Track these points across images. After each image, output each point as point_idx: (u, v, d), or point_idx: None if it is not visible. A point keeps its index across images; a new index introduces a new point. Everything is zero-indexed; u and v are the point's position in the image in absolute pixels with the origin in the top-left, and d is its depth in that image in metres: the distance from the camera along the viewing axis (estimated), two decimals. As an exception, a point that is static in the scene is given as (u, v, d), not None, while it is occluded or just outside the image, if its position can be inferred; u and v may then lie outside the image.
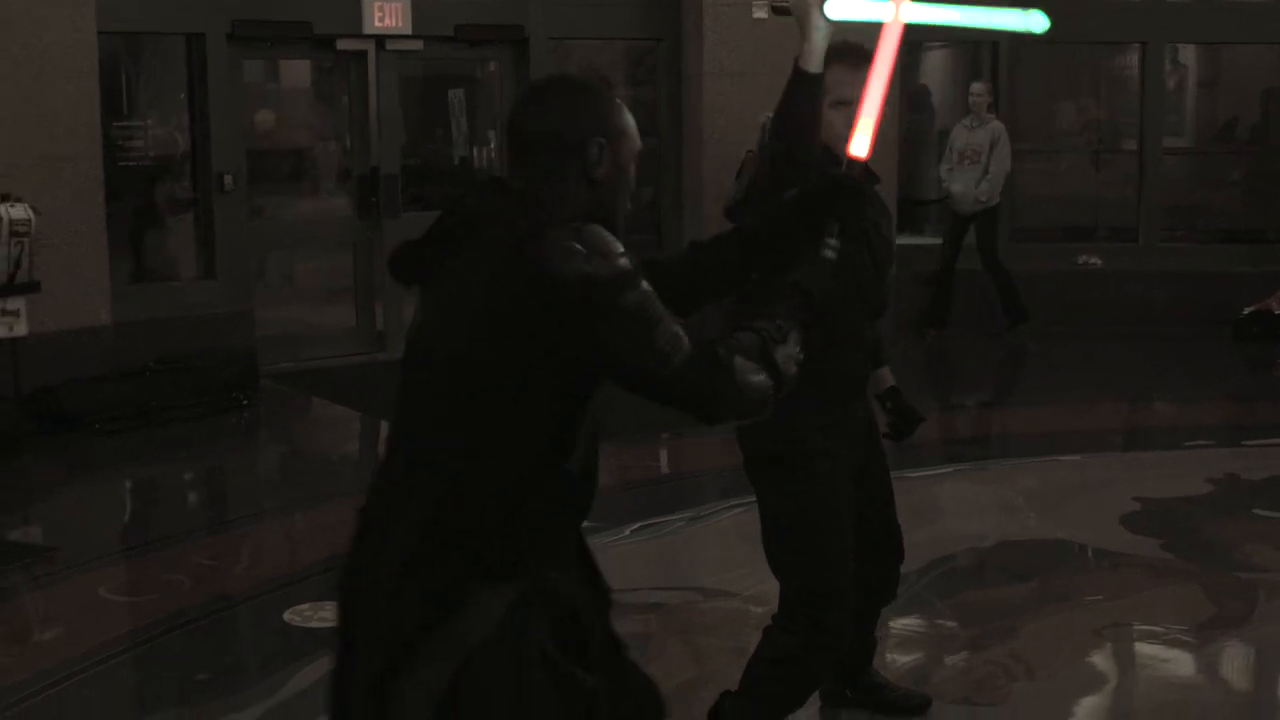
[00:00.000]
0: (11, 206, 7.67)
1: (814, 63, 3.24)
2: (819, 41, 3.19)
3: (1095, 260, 10.50)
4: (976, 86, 10.74)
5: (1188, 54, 14.42)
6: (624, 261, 2.34)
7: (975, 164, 10.57)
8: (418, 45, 10.25)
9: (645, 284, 2.34)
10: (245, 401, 8.80)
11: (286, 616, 5.28)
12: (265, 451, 8.45)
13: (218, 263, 9.71)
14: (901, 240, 11.42)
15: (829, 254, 2.60)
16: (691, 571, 6.00)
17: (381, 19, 9.94)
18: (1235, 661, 4.94)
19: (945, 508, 6.77)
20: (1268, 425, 8.46)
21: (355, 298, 10.43)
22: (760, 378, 2.38)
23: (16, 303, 7.67)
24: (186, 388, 8.61)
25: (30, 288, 7.72)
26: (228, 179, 9.62)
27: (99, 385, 8.30)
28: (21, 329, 7.71)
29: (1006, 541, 6.21)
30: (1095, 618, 5.25)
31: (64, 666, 4.82)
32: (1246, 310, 10.86)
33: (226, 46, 9.61)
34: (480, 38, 10.44)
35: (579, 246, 2.31)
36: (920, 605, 5.36)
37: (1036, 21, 3.87)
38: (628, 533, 6.26)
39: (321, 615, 5.26)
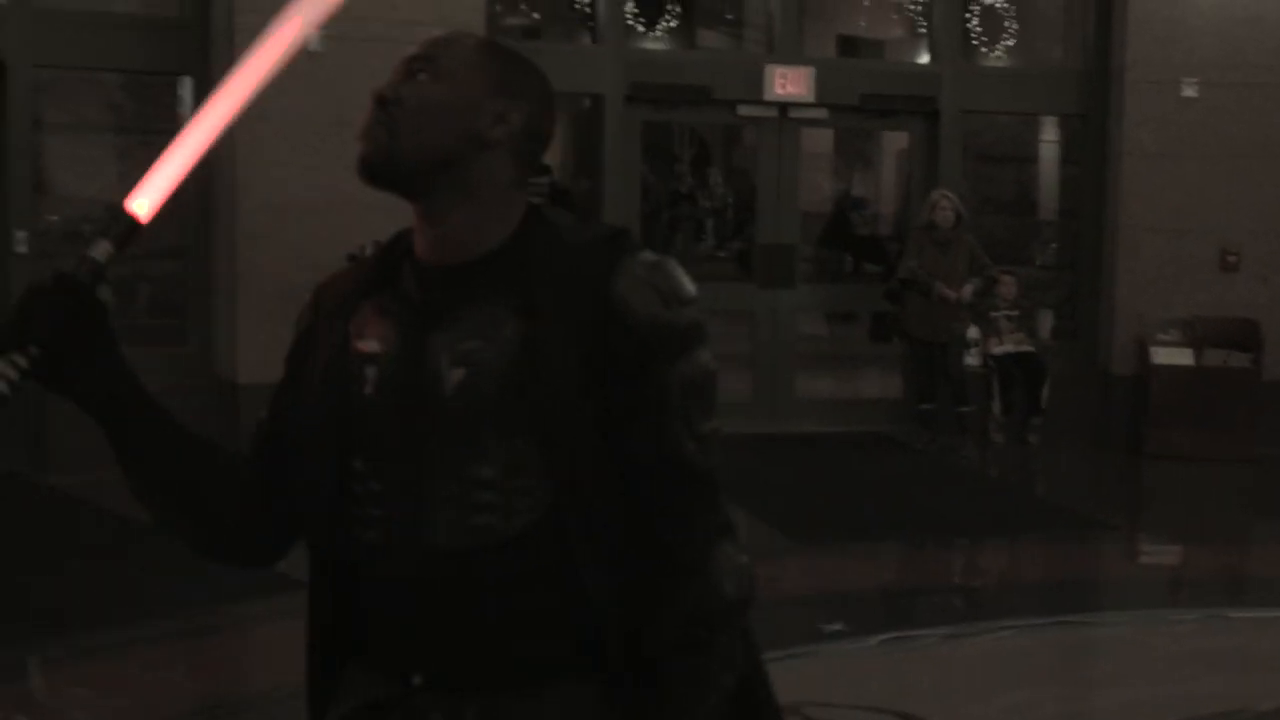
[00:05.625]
0: None
1: None
2: None
3: None
4: None
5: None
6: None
7: None
8: (822, 114, 10.13)
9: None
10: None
11: None
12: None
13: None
14: None
15: None
16: (900, 694, 5.50)
17: (784, 85, 9.80)
18: None
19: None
20: None
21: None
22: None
23: None
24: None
25: None
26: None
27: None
28: None
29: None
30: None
31: None
32: None
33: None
34: (889, 108, 10.17)
35: None
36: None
37: None
38: (874, 642, 5.91)
39: None
